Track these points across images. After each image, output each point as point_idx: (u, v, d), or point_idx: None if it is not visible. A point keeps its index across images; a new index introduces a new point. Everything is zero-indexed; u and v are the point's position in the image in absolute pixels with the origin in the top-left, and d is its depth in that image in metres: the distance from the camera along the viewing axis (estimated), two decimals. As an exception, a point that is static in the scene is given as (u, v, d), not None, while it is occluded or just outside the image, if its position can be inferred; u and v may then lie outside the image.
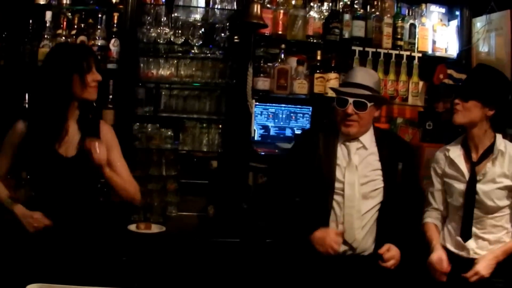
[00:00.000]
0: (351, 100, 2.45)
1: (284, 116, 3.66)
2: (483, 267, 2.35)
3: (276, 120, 3.66)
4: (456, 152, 2.55)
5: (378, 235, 2.49)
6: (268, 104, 3.63)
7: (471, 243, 2.46)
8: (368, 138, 2.55)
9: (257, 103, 3.56)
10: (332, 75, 3.46)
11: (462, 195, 2.47)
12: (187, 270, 3.02)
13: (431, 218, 2.65)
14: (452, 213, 2.57)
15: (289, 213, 2.60)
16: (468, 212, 2.46)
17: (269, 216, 2.91)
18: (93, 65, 2.34)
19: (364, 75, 2.52)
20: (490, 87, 2.43)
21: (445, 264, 2.45)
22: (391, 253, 2.44)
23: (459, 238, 2.50)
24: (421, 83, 3.70)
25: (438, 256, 2.48)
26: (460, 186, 2.48)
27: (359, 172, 2.48)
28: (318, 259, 2.45)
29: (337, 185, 2.48)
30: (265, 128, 3.65)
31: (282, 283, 2.65)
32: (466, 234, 2.47)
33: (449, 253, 2.53)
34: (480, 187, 2.42)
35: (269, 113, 3.65)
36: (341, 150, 2.53)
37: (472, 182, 2.44)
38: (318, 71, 3.46)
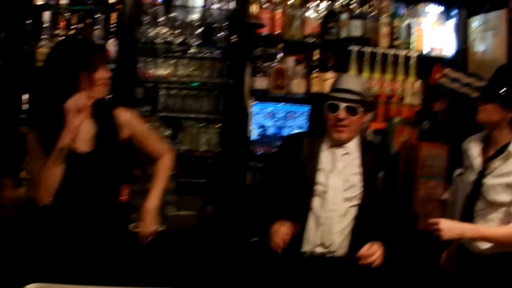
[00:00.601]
0: (342, 105, 2.46)
1: (281, 115, 3.68)
2: (445, 224, 2.30)
3: (274, 120, 3.67)
4: (475, 145, 2.56)
5: (353, 239, 2.48)
6: (265, 104, 3.64)
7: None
8: (354, 144, 2.56)
9: (255, 103, 3.57)
10: (330, 74, 3.48)
11: (469, 186, 2.48)
12: (185, 269, 3.04)
13: None
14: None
15: (269, 212, 2.59)
16: (470, 203, 2.46)
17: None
18: (101, 61, 2.19)
19: (353, 81, 2.55)
20: (509, 89, 2.45)
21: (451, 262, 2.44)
22: (372, 249, 2.41)
23: None
24: (418, 83, 3.72)
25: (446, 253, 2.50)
26: (470, 177, 2.49)
27: (343, 177, 2.50)
28: (295, 261, 2.48)
29: (319, 188, 2.48)
30: (263, 127, 3.66)
31: (266, 283, 2.65)
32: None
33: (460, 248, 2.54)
34: (485, 180, 2.46)
35: (267, 112, 3.66)
36: (324, 155, 2.53)
37: (480, 175, 2.46)
38: (315, 70, 3.48)
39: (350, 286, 2.49)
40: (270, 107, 3.65)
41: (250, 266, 3.03)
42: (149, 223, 2.39)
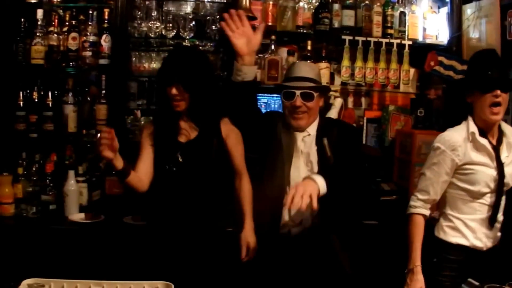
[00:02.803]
0: (298, 92, 2.53)
1: (276, 106, 3.69)
2: None
3: (268, 110, 3.68)
4: (481, 137, 2.45)
5: (322, 212, 2.51)
6: (259, 95, 3.64)
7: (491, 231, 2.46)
8: (314, 127, 2.64)
9: (249, 94, 3.58)
10: (323, 64, 3.49)
11: (492, 181, 2.40)
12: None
13: (423, 209, 2.49)
14: (477, 203, 2.46)
15: None
16: (497, 198, 2.42)
17: None
18: (177, 79, 2.37)
19: (306, 69, 2.61)
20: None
21: None
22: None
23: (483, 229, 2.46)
24: (412, 71, 3.72)
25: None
26: (489, 172, 2.41)
27: (304, 158, 2.58)
28: (271, 242, 2.56)
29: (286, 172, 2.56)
30: (258, 118, 3.67)
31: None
32: (492, 221, 2.44)
33: (460, 248, 2.49)
34: (506, 170, 2.42)
35: (261, 103, 3.67)
36: (284, 138, 2.61)
37: (500, 166, 2.41)
38: (308, 61, 3.48)
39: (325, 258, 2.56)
40: (264, 98, 3.67)
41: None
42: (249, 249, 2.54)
